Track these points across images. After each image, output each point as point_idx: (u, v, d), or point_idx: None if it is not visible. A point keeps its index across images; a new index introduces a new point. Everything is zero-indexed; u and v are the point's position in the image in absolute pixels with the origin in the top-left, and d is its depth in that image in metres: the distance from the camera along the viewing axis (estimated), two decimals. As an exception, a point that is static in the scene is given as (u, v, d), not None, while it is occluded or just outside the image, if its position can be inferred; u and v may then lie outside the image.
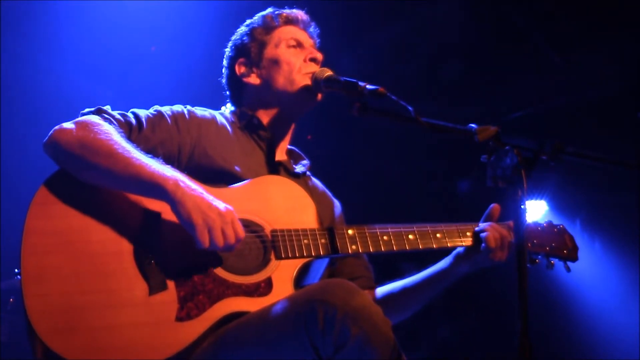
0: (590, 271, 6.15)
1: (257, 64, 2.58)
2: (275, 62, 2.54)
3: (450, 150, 6.09)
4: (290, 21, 2.64)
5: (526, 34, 5.36)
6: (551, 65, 5.63)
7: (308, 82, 2.47)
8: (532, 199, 6.26)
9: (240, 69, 2.62)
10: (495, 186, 1.84)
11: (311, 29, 2.68)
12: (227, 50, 2.70)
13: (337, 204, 2.72)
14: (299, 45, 2.58)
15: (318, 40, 2.70)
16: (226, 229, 1.96)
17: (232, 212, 2.00)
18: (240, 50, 2.64)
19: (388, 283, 2.59)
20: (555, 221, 2.64)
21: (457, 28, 5.30)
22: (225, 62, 2.70)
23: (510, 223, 2.48)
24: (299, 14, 2.67)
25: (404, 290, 2.53)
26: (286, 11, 2.66)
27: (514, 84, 5.96)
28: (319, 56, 2.56)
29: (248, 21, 2.70)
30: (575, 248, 2.58)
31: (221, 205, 1.99)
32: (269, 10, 2.67)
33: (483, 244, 2.38)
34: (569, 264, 2.57)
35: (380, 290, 2.58)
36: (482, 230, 2.42)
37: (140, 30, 4.99)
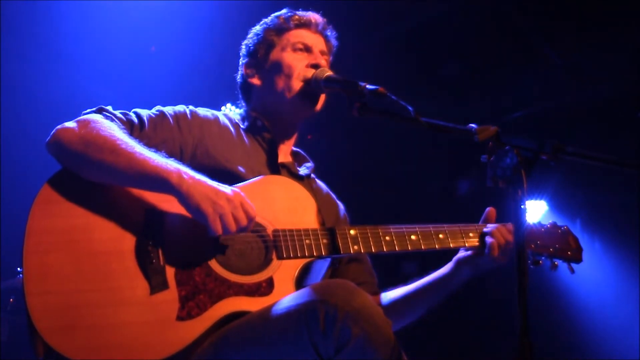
0: (590, 271, 6.16)
1: (262, 65, 2.57)
2: (278, 65, 2.51)
3: (450, 151, 6.09)
4: (303, 24, 2.58)
5: (526, 34, 5.36)
6: (551, 65, 5.64)
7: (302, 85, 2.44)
8: (532, 199, 6.27)
9: (246, 70, 2.62)
10: (495, 186, 1.83)
11: (327, 33, 2.63)
12: (242, 47, 2.68)
13: (341, 206, 2.70)
14: (307, 49, 2.54)
15: (335, 44, 2.65)
16: (236, 213, 1.96)
17: (239, 194, 2.00)
18: (249, 51, 2.63)
19: (391, 289, 2.56)
20: (559, 222, 2.63)
21: (458, 28, 5.30)
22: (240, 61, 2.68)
23: (511, 225, 2.44)
24: (313, 17, 2.61)
25: (407, 298, 2.50)
26: (300, 13, 2.60)
27: (514, 84, 5.96)
28: (323, 63, 2.51)
29: (263, 20, 2.65)
30: (579, 249, 2.55)
31: (227, 189, 2.00)
32: (284, 11, 2.62)
33: (487, 250, 2.35)
34: (573, 265, 2.54)
35: (385, 297, 2.56)
36: (488, 234, 2.39)
37: (140, 30, 5.00)
